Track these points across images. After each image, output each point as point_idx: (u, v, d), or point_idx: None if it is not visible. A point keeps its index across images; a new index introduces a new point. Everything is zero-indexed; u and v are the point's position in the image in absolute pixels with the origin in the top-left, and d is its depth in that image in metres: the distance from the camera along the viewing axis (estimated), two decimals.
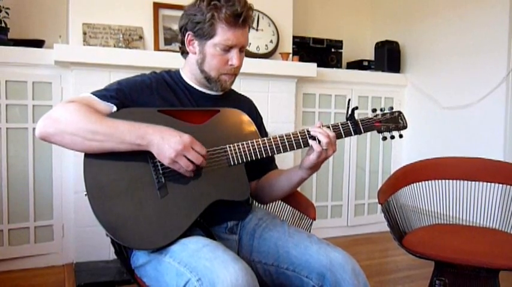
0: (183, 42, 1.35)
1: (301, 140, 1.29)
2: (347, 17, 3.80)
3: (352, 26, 3.81)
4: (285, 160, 2.69)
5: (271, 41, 2.99)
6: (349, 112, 1.33)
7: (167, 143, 1.13)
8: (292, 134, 1.29)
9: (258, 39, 2.91)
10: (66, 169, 2.50)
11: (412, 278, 2.50)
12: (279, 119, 2.93)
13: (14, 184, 2.42)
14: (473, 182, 2.02)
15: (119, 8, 2.62)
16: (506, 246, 1.71)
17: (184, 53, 1.39)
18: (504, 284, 1.83)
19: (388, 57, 3.40)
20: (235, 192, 1.28)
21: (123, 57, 2.44)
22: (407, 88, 3.48)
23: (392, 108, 1.39)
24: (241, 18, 1.27)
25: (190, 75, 1.38)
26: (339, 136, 1.31)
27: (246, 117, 1.37)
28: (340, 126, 1.31)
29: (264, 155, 1.28)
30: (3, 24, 2.46)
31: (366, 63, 3.51)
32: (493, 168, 1.99)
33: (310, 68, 2.97)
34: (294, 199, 1.56)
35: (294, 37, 3.17)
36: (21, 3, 2.69)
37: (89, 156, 1.17)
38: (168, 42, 2.72)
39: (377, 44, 3.49)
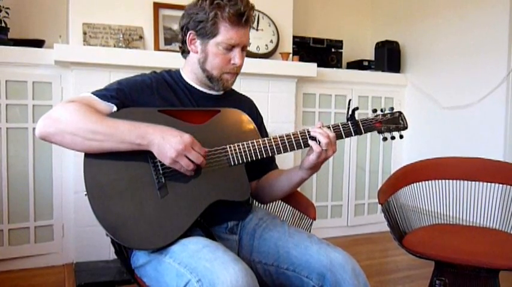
0: (184, 42, 1.35)
1: (301, 141, 1.28)
2: (347, 17, 3.80)
3: (353, 26, 3.80)
4: (285, 161, 2.69)
5: (271, 41, 2.99)
6: (350, 112, 1.32)
7: (168, 142, 1.13)
8: (293, 134, 1.29)
9: (258, 39, 2.91)
10: (66, 168, 2.50)
11: (412, 278, 2.50)
12: (279, 119, 2.93)
13: (14, 183, 2.42)
14: (473, 182, 2.02)
15: (119, 7, 2.62)
16: (506, 246, 1.71)
17: (184, 52, 1.39)
18: (504, 284, 1.83)
19: (388, 57, 3.40)
20: (235, 192, 1.27)
21: (123, 57, 2.44)
22: (408, 88, 3.48)
23: (392, 108, 1.38)
24: (244, 18, 1.27)
25: (191, 75, 1.38)
26: (339, 137, 1.30)
27: (246, 118, 1.37)
28: (340, 126, 1.31)
29: (265, 156, 1.28)
30: (3, 24, 2.46)
31: (366, 63, 3.51)
32: (493, 168, 1.99)
33: (310, 68, 2.97)
34: (294, 198, 1.56)
35: (294, 37, 3.17)
36: (21, 3, 2.69)
37: (89, 156, 1.17)
38: (168, 42, 2.72)
39: (377, 44, 3.49)
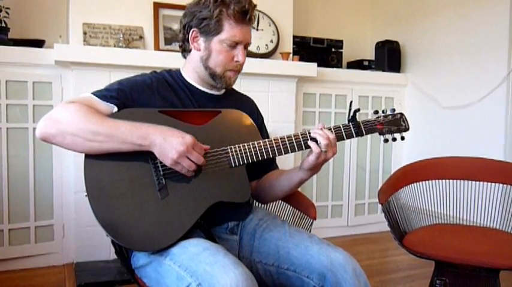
0: (186, 40, 1.34)
1: (302, 142, 1.28)
2: (347, 17, 3.80)
3: (353, 26, 3.80)
4: (286, 161, 2.69)
5: (271, 41, 2.99)
6: (351, 114, 1.32)
7: (170, 143, 1.13)
8: (294, 135, 1.29)
9: (258, 39, 2.91)
10: (67, 168, 2.50)
11: (412, 278, 2.50)
12: (280, 119, 2.93)
13: (14, 183, 2.42)
14: (473, 182, 2.01)
15: (119, 7, 2.61)
16: (506, 246, 1.71)
17: (185, 50, 1.38)
18: (504, 284, 1.83)
19: (389, 57, 3.40)
20: (236, 194, 1.27)
21: (124, 57, 2.44)
22: (408, 88, 3.48)
23: (394, 110, 1.38)
24: (248, 16, 1.29)
25: (192, 74, 1.38)
26: (340, 138, 1.30)
27: (247, 118, 1.37)
28: (341, 128, 1.30)
29: (265, 157, 1.27)
30: (3, 24, 2.46)
31: (366, 63, 3.50)
32: (494, 168, 1.99)
33: (310, 68, 2.97)
34: (295, 198, 1.56)
35: (294, 37, 3.17)
36: (21, 3, 2.69)
37: (90, 157, 1.16)
38: (168, 42, 2.72)
39: (377, 43, 3.49)
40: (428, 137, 3.25)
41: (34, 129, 2.32)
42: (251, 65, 2.55)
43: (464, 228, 1.92)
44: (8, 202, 2.40)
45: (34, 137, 2.41)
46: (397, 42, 3.43)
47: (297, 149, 1.29)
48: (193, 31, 1.31)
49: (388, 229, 1.82)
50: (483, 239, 1.78)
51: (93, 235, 2.38)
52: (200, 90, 1.38)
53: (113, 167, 1.17)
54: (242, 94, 1.54)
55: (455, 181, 2.03)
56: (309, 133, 1.28)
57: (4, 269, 2.40)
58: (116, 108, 1.22)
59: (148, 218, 1.15)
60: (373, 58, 3.55)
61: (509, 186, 1.92)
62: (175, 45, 2.66)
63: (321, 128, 1.27)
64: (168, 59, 2.44)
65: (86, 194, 1.14)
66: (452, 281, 1.76)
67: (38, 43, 2.54)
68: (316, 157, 1.25)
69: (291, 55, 3.04)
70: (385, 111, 1.37)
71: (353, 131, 1.31)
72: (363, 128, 1.32)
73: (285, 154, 1.29)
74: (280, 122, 2.92)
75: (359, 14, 3.85)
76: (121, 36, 2.55)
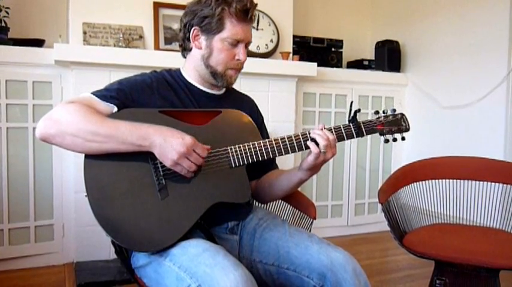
0: (187, 39, 1.34)
1: (302, 142, 1.28)
2: (347, 17, 3.79)
3: (353, 26, 3.80)
4: (286, 162, 2.69)
5: (271, 41, 2.99)
6: (352, 114, 1.32)
7: (170, 144, 1.13)
8: (294, 136, 1.29)
9: (258, 39, 2.91)
10: (67, 168, 2.50)
11: (412, 278, 2.50)
12: (280, 119, 2.93)
13: (14, 183, 2.42)
14: (473, 182, 2.01)
15: (119, 7, 2.61)
16: (506, 246, 1.71)
17: (186, 49, 1.38)
18: (505, 283, 1.83)
19: (389, 56, 3.40)
20: (236, 194, 1.27)
21: (123, 56, 2.44)
22: (408, 88, 3.48)
23: (395, 110, 1.37)
24: (249, 15, 1.29)
25: (192, 73, 1.37)
26: (340, 139, 1.30)
27: (247, 119, 1.37)
28: (342, 128, 1.30)
29: (266, 157, 1.27)
30: (3, 24, 2.46)
31: (366, 63, 3.50)
32: (494, 168, 1.99)
33: (310, 68, 2.97)
34: (295, 198, 1.56)
35: (294, 36, 3.17)
36: (21, 3, 2.69)
37: (89, 157, 1.16)
38: (168, 41, 2.71)
39: (377, 43, 3.48)
40: (428, 137, 3.25)
41: (34, 129, 2.32)
42: (251, 64, 2.54)
43: (464, 228, 1.92)
44: (8, 201, 2.40)
45: (34, 137, 2.41)
46: (397, 42, 3.43)
47: (297, 150, 1.28)
48: (194, 29, 1.31)
49: (388, 228, 1.82)
50: (483, 239, 1.78)
51: (93, 235, 2.38)
52: (200, 89, 1.38)
53: (112, 168, 1.17)
54: (242, 94, 1.54)
55: (455, 180, 2.03)
56: (309, 134, 1.28)
57: (4, 269, 2.40)
58: (115, 109, 1.21)
59: (148, 218, 1.15)
60: (373, 58, 3.55)
61: (509, 186, 1.92)
62: (175, 45, 2.66)
63: (321, 129, 1.27)
64: (168, 59, 2.43)
65: (85, 194, 1.14)
66: (452, 281, 1.76)
67: (38, 43, 2.54)
68: (315, 158, 1.25)
69: (291, 55, 3.04)
70: (385, 111, 1.37)
71: (354, 132, 1.31)
72: (363, 129, 1.32)
73: (285, 154, 1.29)
74: (280, 121, 2.92)
75: (359, 14, 3.85)
76: (121, 35, 2.55)
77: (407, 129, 1.37)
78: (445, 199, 2.03)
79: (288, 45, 3.10)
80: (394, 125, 1.36)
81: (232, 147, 1.26)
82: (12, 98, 2.39)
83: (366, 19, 3.87)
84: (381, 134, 1.35)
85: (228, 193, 1.25)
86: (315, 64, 2.99)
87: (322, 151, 1.24)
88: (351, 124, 1.31)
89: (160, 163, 1.18)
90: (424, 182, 2.03)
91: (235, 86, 1.48)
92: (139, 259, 1.25)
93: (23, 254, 2.44)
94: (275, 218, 1.39)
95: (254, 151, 1.27)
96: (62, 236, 2.53)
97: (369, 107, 3.35)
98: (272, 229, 1.30)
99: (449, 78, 3.10)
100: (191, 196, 1.20)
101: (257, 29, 2.91)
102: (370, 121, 1.34)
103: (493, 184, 1.99)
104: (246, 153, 1.26)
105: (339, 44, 3.43)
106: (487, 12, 2.83)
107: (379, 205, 1.82)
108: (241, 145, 1.26)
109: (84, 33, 2.50)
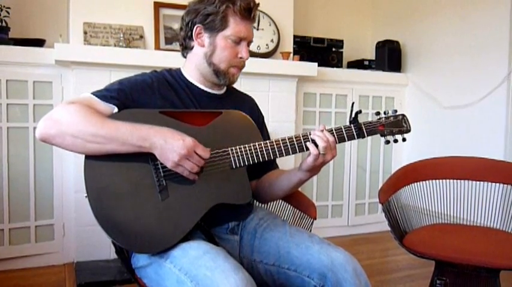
0: (188, 38, 1.34)
1: (303, 144, 1.28)
2: (348, 17, 3.79)
3: (353, 26, 3.80)
4: (287, 162, 2.69)
5: (271, 41, 2.99)
6: (353, 115, 1.32)
7: (170, 146, 1.13)
8: (295, 137, 1.29)
9: (258, 39, 2.91)
10: (67, 168, 2.50)
11: (412, 278, 2.50)
12: (280, 119, 2.93)
13: (14, 183, 2.42)
14: (473, 182, 2.01)
15: (119, 7, 2.62)
16: (506, 246, 1.70)
17: (187, 48, 1.37)
18: (505, 284, 1.83)
19: (389, 56, 3.40)
20: (236, 195, 1.27)
21: (124, 56, 2.44)
22: (408, 88, 3.48)
23: (396, 111, 1.37)
24: (252, 13, 1.30)
25: (193, 72, 1.37)
26: (341, 140, 1.30)
27: (248, 119, 1.37)
28: (343, 130, 1.30)
29: (266, 159, 1.27)
30: (4, 24, 2.46)
31: (366, 63, 3.50)
32: (494, 168, 1.99)
33: (310, 68, 2.97)
34: (295, 198, 1.56)
35: (294, 36, 3.17)
36: (22, 3, 2.69)
37: (90, 158, 1.16)
38: (168, 41, 2.72)
39: (378, 43, 3.48)
40: (428, 136, 3.25)
41: (34, 128, 2.32)
42: (251, 64, 2.53)
43: (464, 228, 1.92)
44: (8, 201, 2.40)
45: (34, 137, 2.41)
46: (397, 42, 3.43)
47: (298, 151, 1.28)
48: (197, 27, 1.31)
49: (388, 228, 1.82)
50: (483, 239, 1.78)
51: (94, 235, 2.38)
52: (201, 89, 1.38)
53: (113, 168, 1.16)
54: (243, 93, 1.54)
55: (455, 181, 2.03)
56: (310, 135, 1.28)
57: (4, 269, 2.40)
58: (116, 109, 1.21)
59: (148, 219, 1.15)
60: (373, 58, 3.55)
61: (509, 186, 1.92)
62: (176, 45, 2.66)
63: (322, 130, 1.27)
64: (169, 59, 2.44)
65: (86, 195, 1.14)
66: (453, 281, 1.76)
67: (39, 42, 2.54)
68: (314, 159, 1.25)
69: (292, 55, 3.04)
70: (386, 112, 1.37)
71: (354, 133, 1.31)
72: (364, 130, 1.32)
73: (286, 155, 1.29)
74: (280, 121, 2.92)
75: (359, 14, 3.85)
76: (121, 35, 2.55)
77: (408, 131, 1.37)
78: (445, 199, 2.03)
79: (288, 45, 3.10)
80: (395, 126, 1.36)
81: (233, 148, 1.26)
82: (12, 97, 2.39)
83: (367, 19, 3.87)
84: (381, 135, 1.35)
85: (228, 194, 1.25)
86: (316, 64, 2.99)
87: (321, 152, 1.24)
88: (352, 125, 1.31)
89: (161, 163, 1.18)
90: (424, 182, 2.03)
91: (236, 86, 1.48)
92: (139, 259, 1.25)
93: (23, 254, 2.45)
94: (276, 218, 1.39)
95: (255, 152, 1.26)
96: (62, 236, 2.53)
97: (369, 107, 3.35)
98: (273, 229, 1.30)
99: (449, 79, 3.10)
100: (192, 197, 1.20)
101: (258, 29, 2.91)
102: (371, 122, 1.33)
103: (493, 184, 1.99)
104: (246, 154, 1.26)
105: (339, 44, 3.43)
106: (487, 12, 2.83)
107: (380, 205, 1.82)
108: (241, 146, 1.26)
109: (85, 33, 2.51)
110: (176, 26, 2.70)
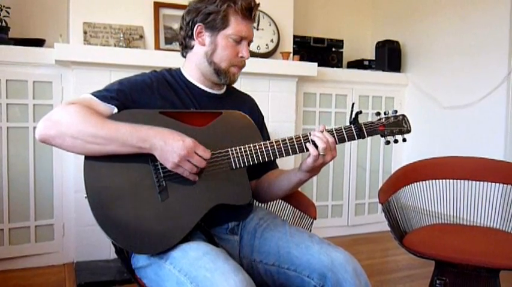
0: (189, 37, 1.34)
1: (303, 144, 1.28)
2: (348, 17, 3.80)
3: (353, 26, 3.80)
4: (287, 163, 2.69)
5: (271, 41, 2.99)
6: (353, 116, 1.32)
7: (170, 147, 1.13)
8: (295, 137, 1.28)
9: (258, 39, 2.91)
10: (67, 168, 2.50)
11: (412, 278, 2.50)
12: (280, 119, 2.93)
13: (14, 183, 2.42)
14: (473, 182, 2.01)
15: (119, 7, 2.62)
16: (506, 246, 1.71)
17: (187, 48, 1.37)
18: (505, 284, 1.83)
19: (389, 56, 3.40)
20: (236, 196, 1.27)
21: (124, 56, 2.44)
22: (408, 88, 3.48)
23: (396, 111, 1.37)
24: (253, 13, 1.31)
25: (193, 72, 1.37)
26: (342, 140, 1.30)
27: (248, 120, 1.36)
28: (343, 130, 1.30)
29: (266, 159, 1.27)
30: (3, 24, 2.46)
31: (366, 63, 3.50)
32: (494, 168, 1.99)
33: (310, 68, 2.97)
34: (295, 198, 1.56)
35: (294, 36, 3.17)
36: (22, 3, 2.69)
37: (89, 158, 1.16)
38: (168, 41, 2.71)
39: (378, 43, 3.48)
40: (428, 136, 3.25)
41: (34, 128, 2.32)
42: (251, 64, 2.53)
43: (464, 228, 1.92)
44: (8, 201, 2.40)
45: (34, 137, 2.41)
46: (397, 42, 3.43)
47: (298, 151, 1.28)
48: (198, 26, 1.31)
49: (388, 228, 1.82)
50: (483, 239, 1.78)
51: (93, 235, 2.38)
52: (201, 89, 1.38)
53: (113, 169, 1.16)
54: (243, 93, 1.54)
55: (455, 181, 2.03)
56: (310, 135, 1.28)
57: (4, 269, 2.40)
58: (115, 109, 1.21)
59: (148, 220, 1.15)
60: (373, 58, 3.55)
61: (509, 186, 1.92)
62: (176, 45, 2.66)
63: (322, 131, 1.26)
64: (169, 59, 2.44)
65: (85, 196, 1.14)
66: (453, 281, 1.76)
67: (39, 42, 2.54)
68: (314, 160, 1.24)
69: (291, 55, 3.04)
70: (387, 112, 1.37)
71: (355, 134, 1.31)
72: (364, 131, 1.32)
73: (286, 155, 1.28)
74: (280, 121, 2.92)
75: (359, 14, 3.85)
76: (121, 35, 2.55)
77: (408, 131, 1.37)
78: (445, 199, 2.03)
79: (288, 45, 3.10)
80: (395, 126, 1.36)
81: (233, 148, 1.26)
82: (12, 97, 2.39)
83: (366, 19, 3.87)
84: (382, 136, 1.35)
85: (228, 195, 1.25)
86: (315, 64, 2.99)
87: (321, 153, 1.24)
88: (352, 126, 1.31)
89: (161, 164, 1.17)
90: (424, 182, 2.03)
91: (236, 86, 1.48)
92: (139, 260, 1.25)
93: (23, 254, 2.45)
94: (275, 218, 1.39)
95: (255, 153, 1.26)
96: (62, 235, 2.53)
97: (369, 107, 3.35)
98: (272, 229, 1.30)
99: (449, 79, 3.10)
100: (192, 198, 1.20)
101: (257, 29, 2.91)
102: (372, 123, 1.33)
103: (493, 184, 1.99)
104: (246, 155, 1.26)
105: (339, 44, 3.43)
106: (487, 12, 2.83)
107: (380, 205, 1.82)
108: (241, 147, 1.26)
109: (85, 33, 2.50)
110: (176, 26, 2.70)
